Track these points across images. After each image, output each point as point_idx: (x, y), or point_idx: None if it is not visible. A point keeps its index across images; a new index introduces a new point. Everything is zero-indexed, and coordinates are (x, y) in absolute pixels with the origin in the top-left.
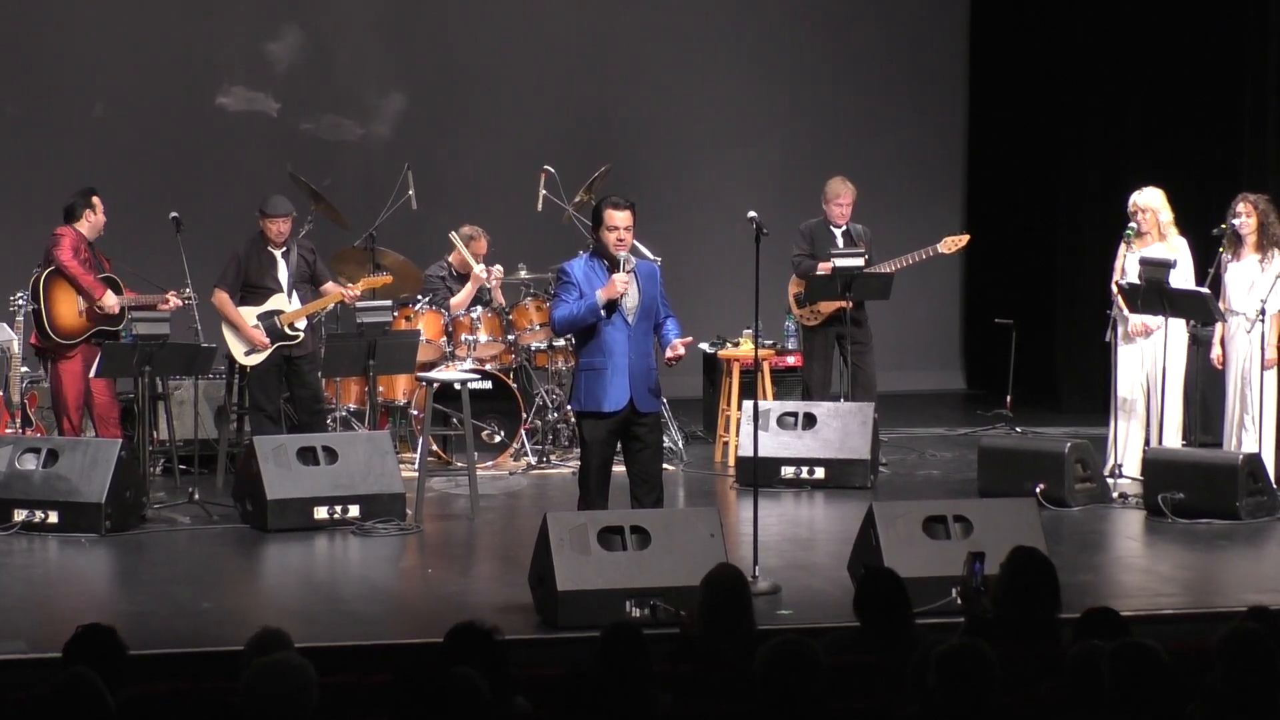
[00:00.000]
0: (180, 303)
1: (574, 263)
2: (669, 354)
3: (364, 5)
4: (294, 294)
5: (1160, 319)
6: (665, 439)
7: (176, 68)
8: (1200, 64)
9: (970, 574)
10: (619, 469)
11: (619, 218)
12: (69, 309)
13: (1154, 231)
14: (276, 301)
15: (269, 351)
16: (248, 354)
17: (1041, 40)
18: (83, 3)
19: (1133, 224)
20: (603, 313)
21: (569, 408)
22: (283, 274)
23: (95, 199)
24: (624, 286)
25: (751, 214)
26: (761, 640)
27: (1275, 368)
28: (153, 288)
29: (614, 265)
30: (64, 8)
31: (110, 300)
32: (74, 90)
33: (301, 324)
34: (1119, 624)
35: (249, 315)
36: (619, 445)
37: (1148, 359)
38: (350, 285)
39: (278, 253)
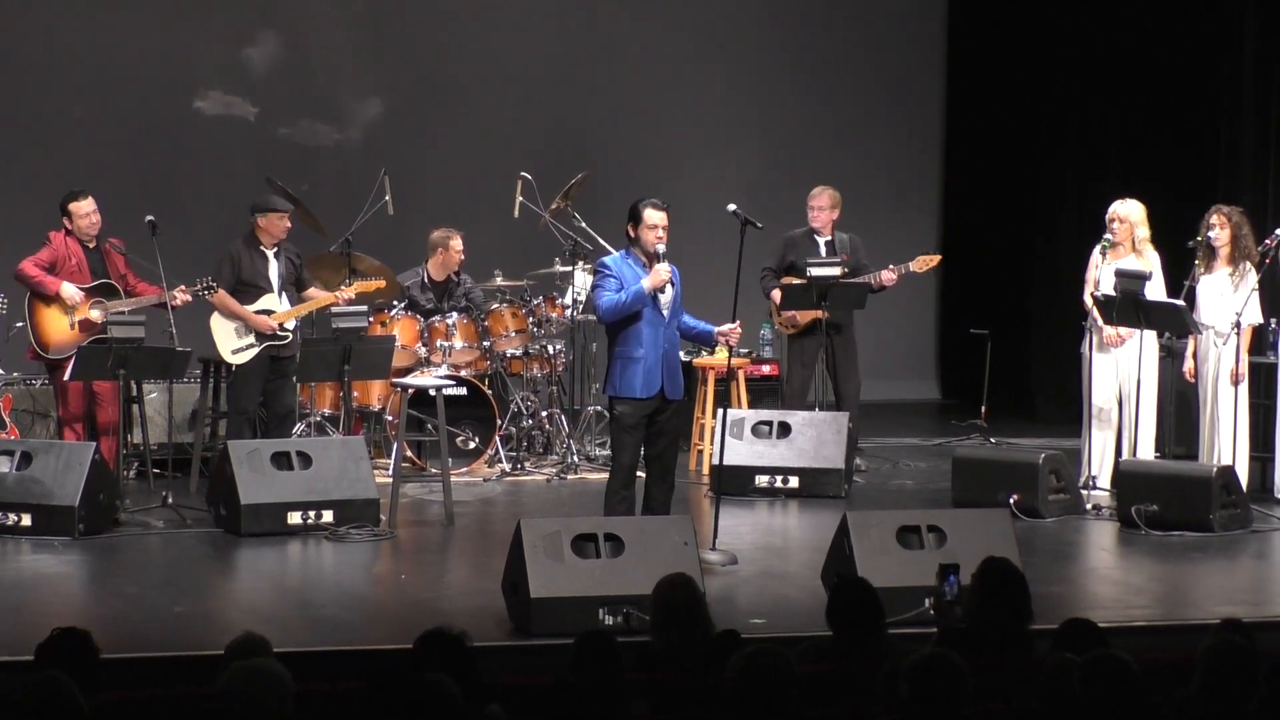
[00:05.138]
0: (189, 297)
1: (611, 258)
2: (727, 336)
3: (341, 10)
4: (283, 295)
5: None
6: None
7: (154, 72)
8: (1177, 76)
9: (943, 586)
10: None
11: (657, 217)
12: (58, 325)
13: (1127, 243)
14: (268, 301)
15: (257, 350)
16: (235, 352)
17: (1019, 51)
18: (60, 7)
19: (1109, 235)
20: (648, 299)
21: (605, 393)
22: (274, 274)
23: (71, 204)
24: (668, 275)
25: (731, 206)
26: (735, 648)
27: (1245, 380)
28: (158, 282)
29: (652, 260)
30: (41, 12)
31: (69, 291)
32: (51, 94)
33: (291, 324)
34: (1097, 635)
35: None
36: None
37: (1122, 370)
38: (344, 288)
39: (270, 253)
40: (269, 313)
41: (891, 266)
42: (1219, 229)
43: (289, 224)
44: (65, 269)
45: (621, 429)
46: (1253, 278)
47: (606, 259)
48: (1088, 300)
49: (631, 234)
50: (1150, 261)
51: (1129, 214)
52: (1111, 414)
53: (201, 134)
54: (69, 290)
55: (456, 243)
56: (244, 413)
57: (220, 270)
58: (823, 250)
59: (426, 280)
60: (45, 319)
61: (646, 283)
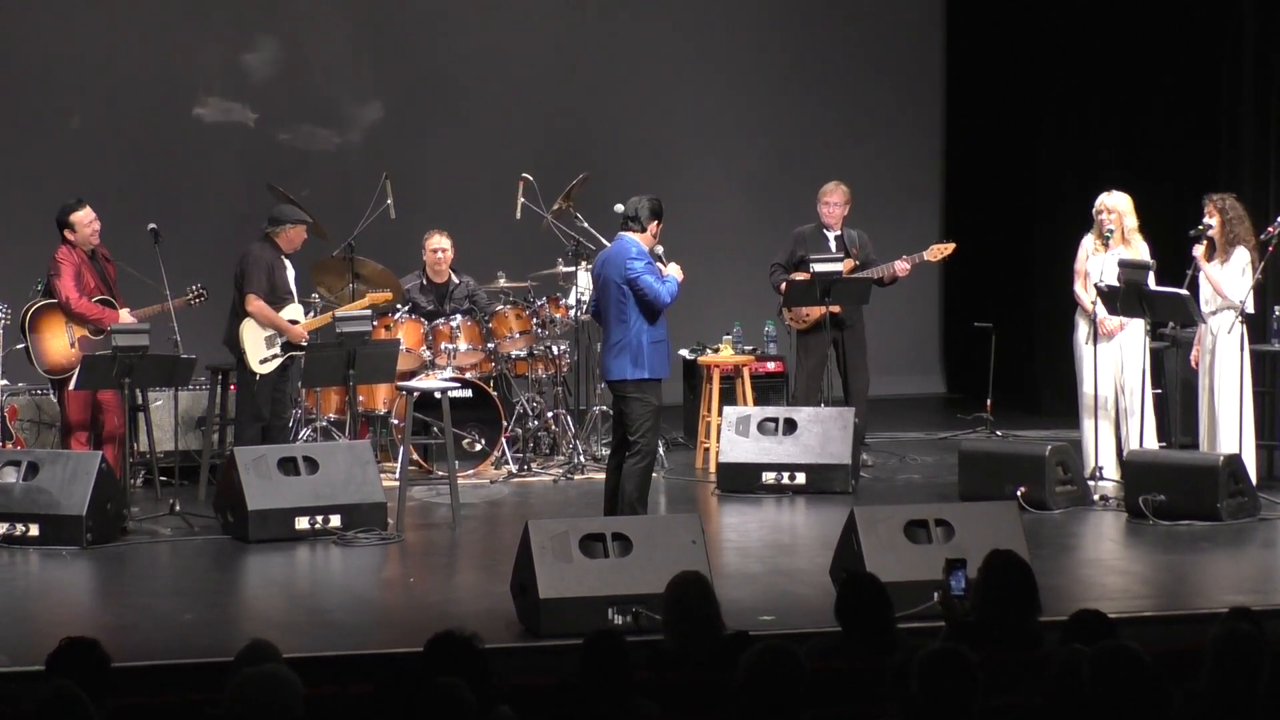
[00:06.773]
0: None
1: (637, 246)
2: None
3: (340, 15)
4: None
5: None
6: None
7: (153, 79)
8: (1177, 71)
9: (949, 580)
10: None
11: None
12: (60, 344)
13: (1117, 234)
14: (293, 311)
15: (281, 360)
16: (263, 362)
17: (1018, 47)
18: (58, 14)
19: (1110, 227)
20: None
21: (640, 378)
22: (293, 283)
23: (72, 215)
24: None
25: (619, 207)
26: (744, 646)
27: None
28: (158, 294)
29: (657, 255)
30: (39, 19)
31: (126, 319)
32: (51, 102)
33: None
34: (1107, 626)
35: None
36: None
37: (1122, 360)
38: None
39: (287, 261)
40: (294, 322)
41: (905, 257)
42: (1207, 217)
43: (305, 235)
44: (83, 285)
45: (653, 409)
46: (1239, 259)
47: (632, 248)
48: (1079, 291)
49: (655, 230)
50: (1139, 251)
51: (1117, 205)
52: (1108, 404)
53: (201, 140)
54: (128, 317)
55: (432, 240)
56: (260, 420)
57: (254, 277)
58: (832, 245)
59: (425, 282)
60: (47, 339)
61: (679, 275)
